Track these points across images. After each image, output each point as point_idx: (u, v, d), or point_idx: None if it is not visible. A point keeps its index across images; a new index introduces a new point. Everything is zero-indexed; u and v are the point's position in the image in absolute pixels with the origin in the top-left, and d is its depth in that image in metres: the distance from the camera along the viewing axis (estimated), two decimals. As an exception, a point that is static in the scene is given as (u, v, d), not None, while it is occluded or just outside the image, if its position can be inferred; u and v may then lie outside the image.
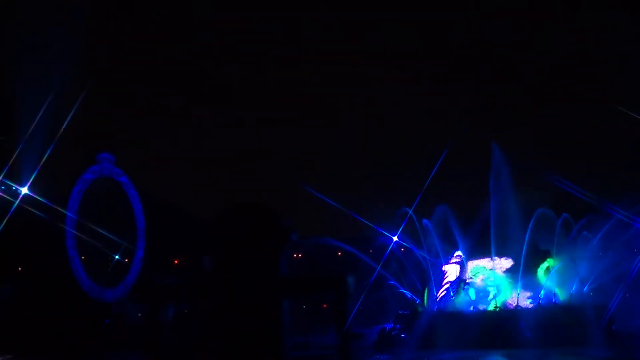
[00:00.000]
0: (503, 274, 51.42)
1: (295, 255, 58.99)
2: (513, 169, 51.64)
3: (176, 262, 62.54)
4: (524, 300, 50.71)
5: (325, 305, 57.45)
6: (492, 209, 51.79)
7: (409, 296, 53.01)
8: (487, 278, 51.66)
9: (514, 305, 50.42)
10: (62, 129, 46.40)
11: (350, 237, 56.62)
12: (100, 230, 47.24)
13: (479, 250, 52.30)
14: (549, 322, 47.22)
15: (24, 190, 44.94)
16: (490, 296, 50.82)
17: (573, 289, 51.51)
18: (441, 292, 51.42)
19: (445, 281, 51.46)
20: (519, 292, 51.01)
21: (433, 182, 52.83)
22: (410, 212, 52.03)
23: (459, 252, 52.28)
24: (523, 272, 51.22)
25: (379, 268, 51.46)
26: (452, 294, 51.08)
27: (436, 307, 50.79)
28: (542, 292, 51.07)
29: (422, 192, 52.13)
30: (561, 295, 51.22)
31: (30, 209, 44.36)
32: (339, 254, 57.28)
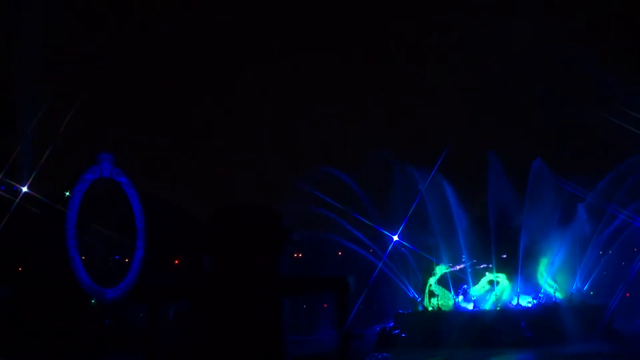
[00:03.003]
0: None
1: (295, 255, 58.87)
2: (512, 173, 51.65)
3: (176, 262, 62.47)
4: (524, 299, 50.71)
5: (325, 305, 57.35)
6: (490, 212, 51.80)
7: (410, 295, 52.92)
8: (487, 278, 51.65)
9: (514, 304, 50.41)
10: (62, 128, 46.29)
11: (351, 237, 56.42)
12: (100, 230, 47.13)
13: (478, 248, 52.21)
14: (550, 321, 47.26)
15: (24, 189, 44.76)
16: (491, 296, 50.86)
17: (573, 288, 51.51)
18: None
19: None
20: (519, 291, 51.00)
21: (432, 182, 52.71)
22: (409, 213, 51.87)
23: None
24: (522, 272, 51.20)
25: (380, 265, 51.33)
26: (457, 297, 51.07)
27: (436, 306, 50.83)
28: (542, 291, 51.08)
29: (421, 193, 52.00)
30: (561, 294, 51.22)
31: (30, 208, 44.25)
32: (340, 253, 57.10)
